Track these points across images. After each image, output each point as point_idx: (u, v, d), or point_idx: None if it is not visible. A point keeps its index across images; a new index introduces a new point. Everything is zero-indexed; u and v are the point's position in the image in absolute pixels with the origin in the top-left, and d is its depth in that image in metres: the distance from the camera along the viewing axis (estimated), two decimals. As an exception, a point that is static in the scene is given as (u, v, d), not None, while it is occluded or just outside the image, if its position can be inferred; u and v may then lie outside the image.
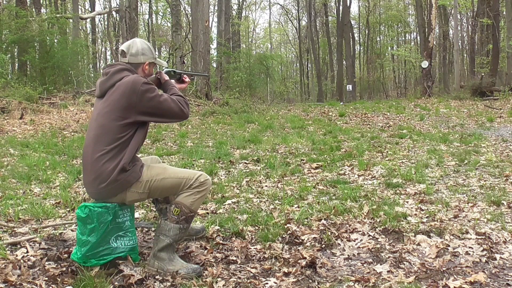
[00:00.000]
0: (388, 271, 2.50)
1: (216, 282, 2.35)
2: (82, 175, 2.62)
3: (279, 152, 6.70)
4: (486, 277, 2.38)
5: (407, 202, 3.87)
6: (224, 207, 3.78)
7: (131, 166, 2.42)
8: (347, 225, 3.23)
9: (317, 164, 5.57)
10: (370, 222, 3.27)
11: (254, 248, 2.83)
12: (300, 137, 8.05)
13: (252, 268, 2.56)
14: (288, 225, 3.19)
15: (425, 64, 18.51)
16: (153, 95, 2.43)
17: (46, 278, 2.35)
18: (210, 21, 21.35)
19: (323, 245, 2.89)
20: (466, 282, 2.32)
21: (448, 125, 9.74)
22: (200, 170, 3.41)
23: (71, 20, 18.21)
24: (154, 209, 3.38)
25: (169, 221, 2.49)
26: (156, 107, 2.44)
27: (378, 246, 2.86)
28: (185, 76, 2.97)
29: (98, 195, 2.43)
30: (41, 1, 19.65)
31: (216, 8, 28.52)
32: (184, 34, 17.02)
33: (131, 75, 2.47)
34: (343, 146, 7.03)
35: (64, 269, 2.46)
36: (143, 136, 2.54)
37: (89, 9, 27.85)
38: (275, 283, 2.37)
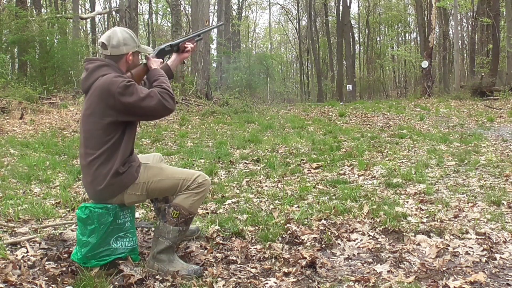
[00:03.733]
0: (388, 271, 2.50)
1: (216, 282, 2.35)
2: (81, 176, 2.62)
3: (279, 152, 6.70)
4: (486, 277, 2.38)
5: (407, 202, 3.87)
6: (224, 207, 3.78)
7: (126, 167, 2.39)
8: (347, 225, 3.22)
9: (317, 164, 5.57)
10: (370, 222, 3.27)
11: (254, 248, 2.83)
12: (300, 137, 8.05)
13: (252, 268, 2.56)
14: (288, 225, 3.18)
15: (425, 64, 18.50)
16: (131, 96, 2.28)
17: (46, 278, 2.35)
18: (210, 21, 21.34)
19: (323, 245, 2.88)
20: (466, 282, 2.32)
21: (448, 125, 9.74)
22: (200, 170, 3.41)
23: (71, 20, 18.19)
24: (153, 208, 3.38)
25: (168, 224, 2.46)
26: (136, 107, 2.29)
27: (378, 246, 2.86)
28: (186, 43, 2.62)
29: (97, 197, 2.43)
30: (41, 1, 19.63)
31: (216, 8, 28.52)
32: (184, 34, 17.00)
33: (109, 74, 2.35)
34: (343, 146, 7.03)
35: (64, 269, 2.46)
36: (133, 136, 2.46)
37: (89, 9, 27.84)
38: (275, 283, 2.37)
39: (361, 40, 37.44)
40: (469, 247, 2.80)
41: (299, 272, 2.48)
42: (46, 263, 2.53)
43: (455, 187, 4.38)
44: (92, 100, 2.35)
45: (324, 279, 2.44)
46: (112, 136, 2.35)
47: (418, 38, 30.34)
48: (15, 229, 3.12)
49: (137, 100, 2.28)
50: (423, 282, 2.35)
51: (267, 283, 2.37)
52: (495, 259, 2.63)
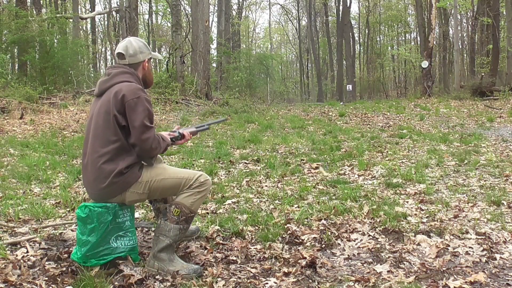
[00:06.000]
0: (388, 271, 2.50)
1: (216, 282, 2.35)
2: (82, 176, 2.62)
3: (279, 152, 6.70)
4: (486, 277, 2.38)
5: (407, 202, 3.87)
6: (224, 207, 3.78)
7: (130, 167, 2.41)
8: (347, 225, 3.22)
9: (317, 164, 5.57)
10: (370, 222, 3.27)
11: (254, 248, 2.83)
12: (300, 137, 8.05)
13: (252, 268, 2.56)
14: (288, 225, 3.19)
15: (425, 64, 18.49)
16: (138, 113, 2.35)
17: (46, 278, 2.35)
18: (210, 21, 21.34)
19: (323, 245, 2.89)
20: (466, 282, 2.32)
21: (448, 125, 9.74)
22: (200, 170, 3.41)
23: (71, 20, 18.20)
24: (152, 209, 3.38)
25: (169, 222, 2.49)
26: (132, 124, 2.35)
27: (378, 246, 2.86)
28: (184, 132, 2.81)
29: (98, 196, 2.43)
30: (41, 1, 19.64)
31: (216, 8, 28.51)
32: (184, 34, 17.00)
33: (131, 82, 2.45)
34: (343, 146, 7.03)
35: (64, 269, 2.46)
36: None
37: (89, 9, 27.84)
38: (275, 283, 2.37)
39: (361, 40, 37.47)
40: (469, 247, 2.80)
41: (299, 272, 2.48)
42: (46, 263, 2.53)
43: (455, 187, 4.38)
44: (108, 100, 2.40)
45: (324, 279, 2.44)
46: (118, 138, 2.38)
47: (418, 38, 30.31)
48: (15, 229, 3.12)
49: (139, 120, 2.35)
50: (423, 282, 2.35)
51: (267, 283, 2.37)
52: (495, 259, 2.63)
